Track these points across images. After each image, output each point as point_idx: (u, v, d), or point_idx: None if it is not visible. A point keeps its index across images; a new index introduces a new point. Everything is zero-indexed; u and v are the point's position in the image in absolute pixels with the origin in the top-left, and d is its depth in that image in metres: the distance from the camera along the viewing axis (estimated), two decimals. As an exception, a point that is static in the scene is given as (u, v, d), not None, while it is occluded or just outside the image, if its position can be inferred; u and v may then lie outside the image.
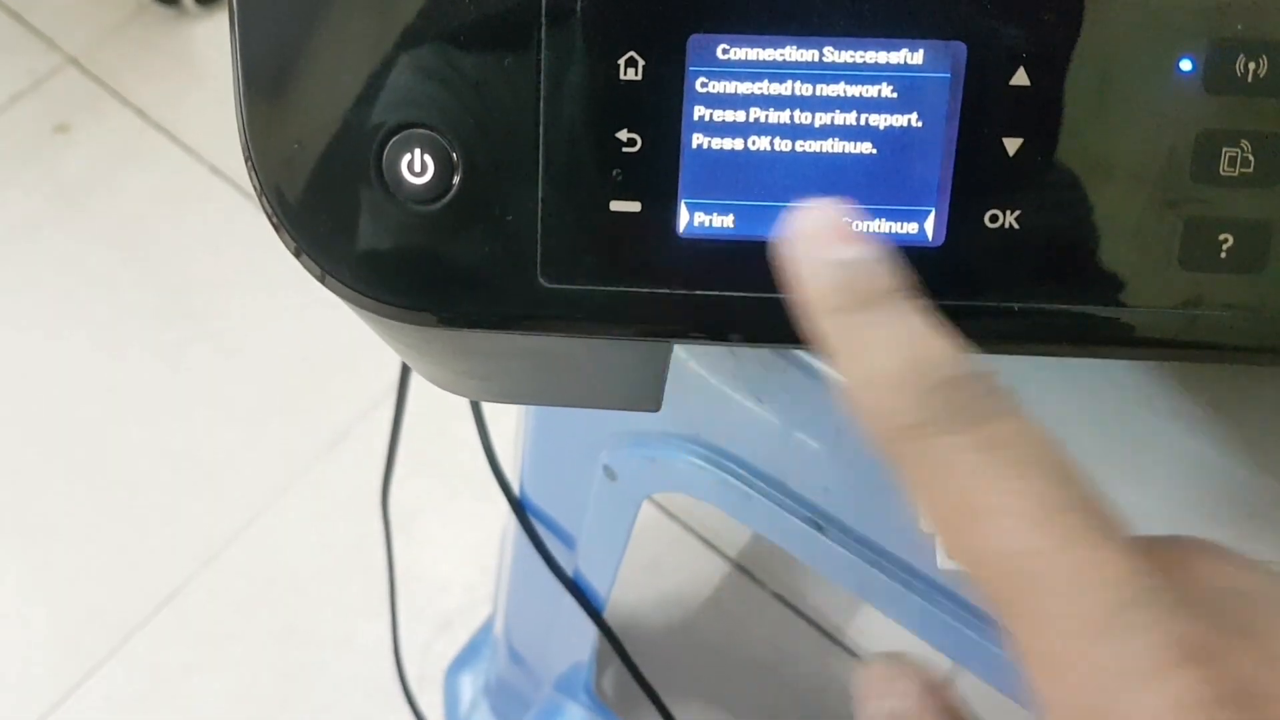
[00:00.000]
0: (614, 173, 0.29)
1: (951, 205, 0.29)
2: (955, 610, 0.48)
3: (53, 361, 1.16)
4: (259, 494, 1.10)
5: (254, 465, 1.11)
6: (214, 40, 1.36)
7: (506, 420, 0.67)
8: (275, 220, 0.29)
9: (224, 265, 1.21)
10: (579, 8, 0.28)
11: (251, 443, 1.12)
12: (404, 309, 0.30)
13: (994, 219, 0.29)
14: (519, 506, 0.65)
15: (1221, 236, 0.29)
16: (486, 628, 0.97)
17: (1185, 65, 0.28)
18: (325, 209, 0.29)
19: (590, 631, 0.70)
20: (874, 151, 0.29)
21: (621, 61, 0.28)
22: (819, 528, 0.49)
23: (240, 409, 1.14)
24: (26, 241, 1.23)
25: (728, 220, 0.29)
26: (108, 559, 1.06)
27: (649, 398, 0.38)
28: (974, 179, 0.29)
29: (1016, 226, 0.29)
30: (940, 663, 1.05)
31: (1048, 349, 0.30)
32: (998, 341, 0.30)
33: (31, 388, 1.15)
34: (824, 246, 0.26)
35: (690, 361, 0.48)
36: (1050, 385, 0.38)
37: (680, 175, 0.29)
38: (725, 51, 0.28)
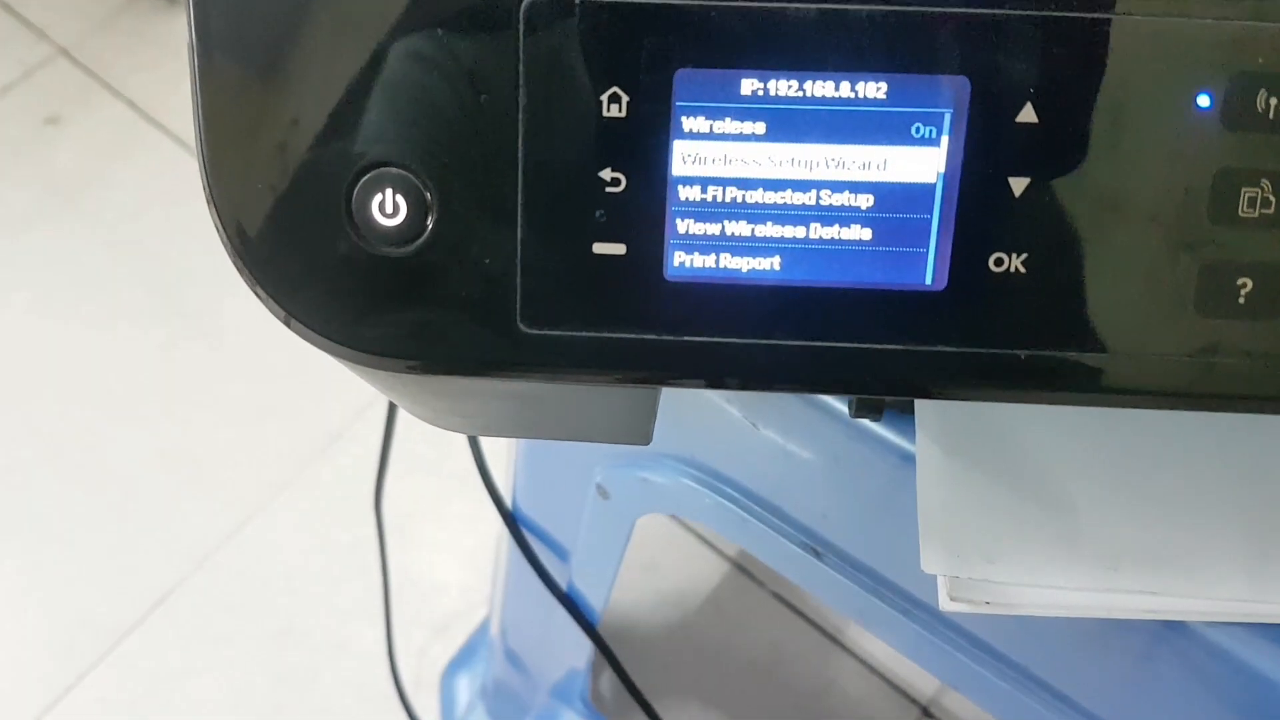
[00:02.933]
0: (597, 213, 0.27)
1: (954, 248, 0.27)
2: (953, 638, 0.47)
3: (44, 359, 1.15)
4: (252, 495, 1.09)
5: (247, 466, 1.10)
6: (206, 30, 1.34)
7: (499, 430, 0.66)
8: (237, 262, 0.28)
9: (217, 261, 1.19)
10: (560, 42, 0.26)
11: (245, 443, 1.11)
12: (375, 355, 0.28)
13: (999, 262, 0.27)
14: (512, 521, 0.64)
15: (1240, 281, 0.27)
16: (482, 630, 0.96)
17: (1203, 101, 0.26)
18: (291, 251, 0.28)
19: (586, 640, 0.69)
20: (872, 190, 0.27)
21: (605, 98, 0.27)
22: (816, 554, 0.48)
23: (234, 408, 1.13)
24: (16, 236, 1.21)
25: (716, 262, 0.28)
26: (100, 560, 1.05)
27: (639, 433, 0.36)
28: (978, 220, 0.27)
29: (1023, 270, 0.27)
30: (930, 682, 1.03)
31: (1055, 398, 0.29)
32: (1002, 390, 0.28)
33: (22, 386, 1.14)
34: None
35: (684, 381, 0.47)
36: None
37: (666, 216, 0.27)
38: (714, 87, 0.27)
